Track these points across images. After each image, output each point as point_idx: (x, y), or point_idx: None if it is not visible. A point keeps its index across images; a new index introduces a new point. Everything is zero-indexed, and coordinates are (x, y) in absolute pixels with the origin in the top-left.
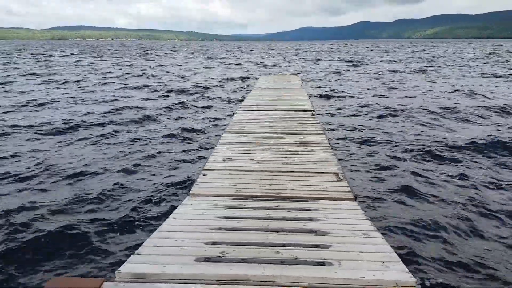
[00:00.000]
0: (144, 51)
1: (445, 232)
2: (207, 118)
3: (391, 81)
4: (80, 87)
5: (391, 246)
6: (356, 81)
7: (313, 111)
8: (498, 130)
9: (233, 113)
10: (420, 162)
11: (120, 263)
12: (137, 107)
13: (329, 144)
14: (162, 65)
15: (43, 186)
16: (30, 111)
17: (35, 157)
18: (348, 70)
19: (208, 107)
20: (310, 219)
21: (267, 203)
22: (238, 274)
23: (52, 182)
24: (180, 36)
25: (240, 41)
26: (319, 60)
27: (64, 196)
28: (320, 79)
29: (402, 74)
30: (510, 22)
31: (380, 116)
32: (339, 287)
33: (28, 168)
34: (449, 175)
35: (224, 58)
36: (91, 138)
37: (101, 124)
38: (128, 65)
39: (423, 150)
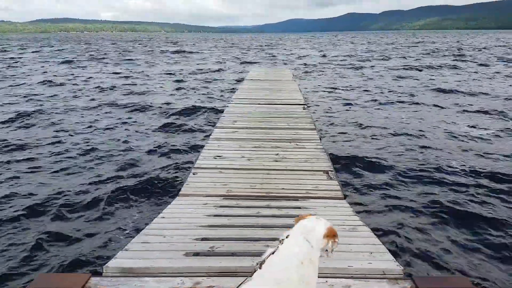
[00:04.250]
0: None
1: (433, 225)
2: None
3: None
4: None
5: (379, 239)
6: None
7: (305, 104)
8: None
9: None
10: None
11: (108, 259)
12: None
13: (320, 140)
14: None
15: (29, 182)
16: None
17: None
18: None
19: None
20: None
21: (258, 202)
22: (227, 267)
23: (39, 179)
24: (166, 28)
25: (227, 33)
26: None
27: (50, 193)
28: None
29: None
30: (495, 13)
31: None
32: (327, 276)
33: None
34: (435, 170)
35: None
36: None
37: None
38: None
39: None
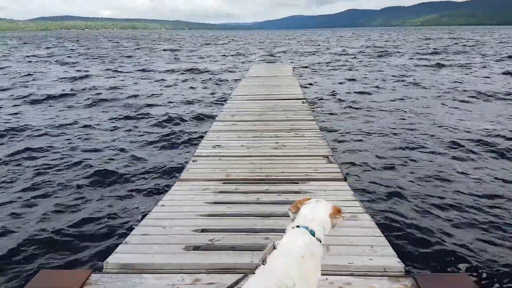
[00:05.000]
0: None
1: (435, 215)
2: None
3: None
4: None
5: (380, 229)
6: None
7: (304, 99)
8: None
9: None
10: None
11: (109, 252)
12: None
13: (319, 128)
14: None
15: (27, 178)
16: None
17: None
18: None
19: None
20: None
21: (257, 186)
22: (227, 263)
23: (37, 175)
24: (166, 26)
25: (228, 30)
26: None
27: (48, 189)
28: None
29: None
30: (494, 9)
31: None
32: (328, 273)
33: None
34: (439, 157)
35: None
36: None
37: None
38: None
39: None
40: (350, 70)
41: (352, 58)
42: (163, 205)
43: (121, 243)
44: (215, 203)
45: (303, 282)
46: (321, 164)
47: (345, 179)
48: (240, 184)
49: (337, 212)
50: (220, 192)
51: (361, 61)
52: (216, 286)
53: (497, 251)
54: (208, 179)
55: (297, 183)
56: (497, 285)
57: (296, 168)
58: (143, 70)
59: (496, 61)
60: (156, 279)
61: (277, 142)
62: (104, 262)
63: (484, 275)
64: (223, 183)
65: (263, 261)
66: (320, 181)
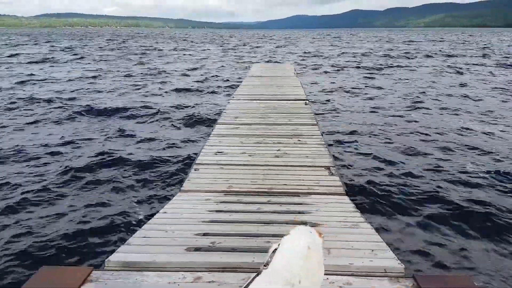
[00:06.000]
0: None
1: (435, 223)
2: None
3: None
4: None
5: (381, 236)
6: None
7: (307, 100)
8: None
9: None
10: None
11: (110, 253)
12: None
13: (322, 135)
14: None
15: (31, 177)
16: None
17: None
18: None
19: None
20: (301, 212)
21: (259, 198)
22: (228, 262)
23: (42, 175)
24: (170, 24)
25: (232, 29)
26: None
27: (52, 189)
28: None
29: None
30: (500, 11)
31: None
32: (328, 273)
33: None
34: (440, 168)
35: None
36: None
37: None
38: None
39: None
40: (360, 71)
41: (358, 60)
42: (165, 212)
43: (122, 244)
44: (217, 211)
45: (308, 280)
46: (323, 177)
47: (346, 193)
48: (242, 195)
49: (319, 234)
50: (222, 202)
51: (369, 63)
52: (217, 284)
53: (498, 252)
54: (210, 191)
55: (299, 196)
56: (497, 285)
57: (298, 180)
58: (152, 68)
59: None
60: (158, 276)
61: (279, 150)
62: (106, 260)
63: (485, 275)
64: (225, 194)
65: (266, 265)
66: (322, 195)
